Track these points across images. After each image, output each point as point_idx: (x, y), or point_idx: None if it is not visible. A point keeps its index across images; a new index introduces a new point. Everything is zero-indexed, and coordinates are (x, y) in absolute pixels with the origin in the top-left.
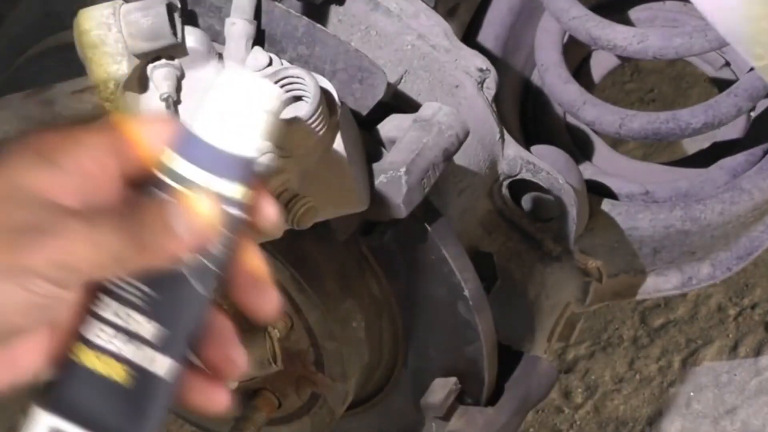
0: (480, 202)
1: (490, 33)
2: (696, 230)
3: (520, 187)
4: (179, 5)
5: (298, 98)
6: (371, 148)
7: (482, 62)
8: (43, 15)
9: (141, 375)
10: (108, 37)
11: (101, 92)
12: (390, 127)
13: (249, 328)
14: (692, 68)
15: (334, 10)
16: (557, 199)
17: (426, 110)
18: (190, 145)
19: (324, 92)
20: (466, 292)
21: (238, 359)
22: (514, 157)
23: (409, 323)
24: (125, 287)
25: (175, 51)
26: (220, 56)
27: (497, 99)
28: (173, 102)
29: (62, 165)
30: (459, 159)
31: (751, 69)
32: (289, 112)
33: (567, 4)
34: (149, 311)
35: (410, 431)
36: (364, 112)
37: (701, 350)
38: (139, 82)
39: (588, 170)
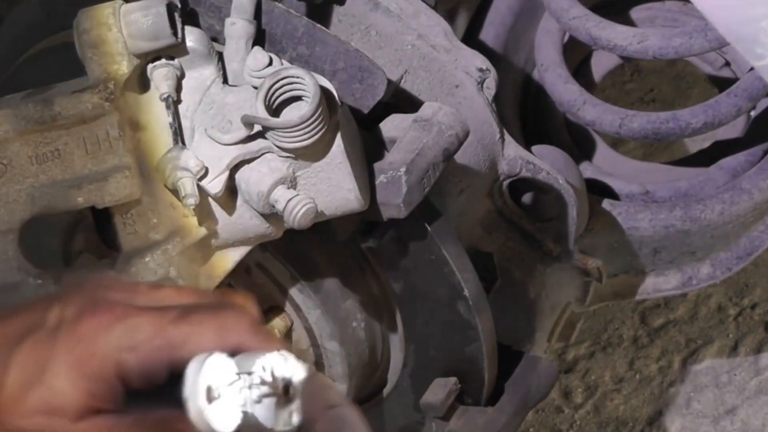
0: (480, 202)
1: (490, 33)
2: (696, 230)
3: (520, 187)
4: (179, 5)
5: (298, 98)
6: (371, 147)
7: (482, 62)
8: (43, 15)
9: None
10: (108, 37)
11: (101, 92)
12: (390, 126)
13: None
14: (692, 68)
15: (334, 10)
16: (557, 199)
17: (426, 110)
18: None
19: (324, 92)
20: (466, 292)
21: None
22: (514, 157)
23: (409, 323)
24: None
25: (175, 51)
26: (220, 56)
27: (497, 99)
28: (173, 102)
29: None
30: (459, 159)
31: (751, 69)
32: (289, 113)
33: (567, 4)
34: None
35: (410, 431)
36: (365, 112)
37: (701, 350)
38: (139, 82)
39: (588, 170)
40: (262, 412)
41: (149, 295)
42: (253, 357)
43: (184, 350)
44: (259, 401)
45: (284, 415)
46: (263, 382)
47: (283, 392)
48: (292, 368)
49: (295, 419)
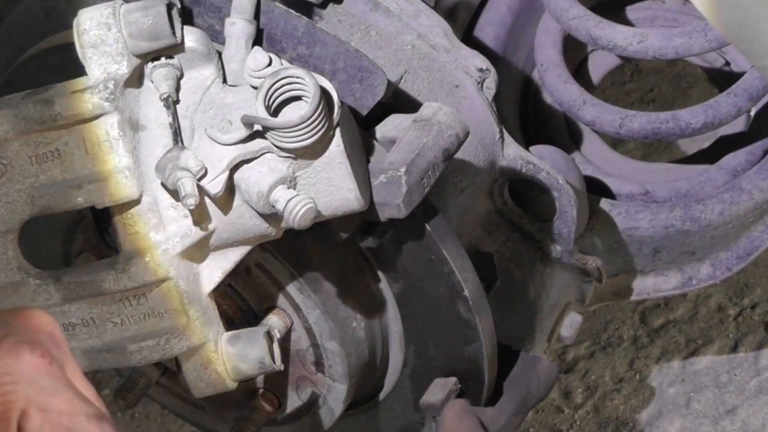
0: (480, 202)
1: (490, 33)
2: (696, 230)
3: (520, 187)
4: (179, 5)
5: (298, 98)
6: (371, 148)
7: (482, 62)
8: (43, 15)
9: None
10: (108, 37)
11: (101, 92)
12: (390, 126)
13: (249, 328)
14: (692, 68)
15: (334, 10)
16: (557, 199)
17: (426, 110)
18: None
19: (324, 92)
20: (466, 292)
21: None
22: (514, 157)
23: (409, 323)
24: None
25: (174, 51)
26: (220, 56)
27: (497, 99)
28: (173, 102)
29: None
30: (459, 159)
31: (751, 69)
32: (289, 113)
33: (567, 4)
34: None
35: (410, 431)
36: (364, 112)
37: (701, 350)
38: (139, 82)
39: (588, 170)
40: None
41: (75, 372)
42: None
43: None
44: None
45: None
46: None
47: None
48: None
49: None
